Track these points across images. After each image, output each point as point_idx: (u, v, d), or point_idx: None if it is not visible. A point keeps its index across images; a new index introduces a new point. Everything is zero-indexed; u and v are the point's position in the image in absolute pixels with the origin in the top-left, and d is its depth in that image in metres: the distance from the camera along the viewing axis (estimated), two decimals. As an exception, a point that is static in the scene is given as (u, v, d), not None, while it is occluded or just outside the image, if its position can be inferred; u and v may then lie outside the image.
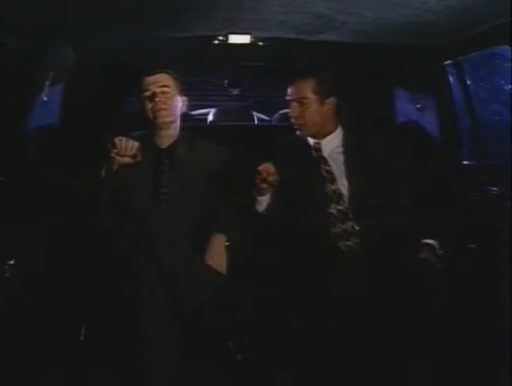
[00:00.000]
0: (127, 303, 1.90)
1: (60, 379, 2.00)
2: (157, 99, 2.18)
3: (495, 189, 2.44)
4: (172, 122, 2.25)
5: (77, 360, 2.03)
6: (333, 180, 2.25)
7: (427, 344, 1.91)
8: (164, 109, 2.20)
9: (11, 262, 2.18)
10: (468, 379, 1.93)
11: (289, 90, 2.31)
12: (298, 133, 2.34)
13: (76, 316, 2.10)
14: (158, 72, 2.23)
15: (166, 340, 1.87)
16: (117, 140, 2.07)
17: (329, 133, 2.33)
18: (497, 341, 2.02)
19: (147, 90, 2.19)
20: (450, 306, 1.97)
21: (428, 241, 2.13)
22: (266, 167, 2.07)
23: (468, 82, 2.73)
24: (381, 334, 1.93)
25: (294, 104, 2.29)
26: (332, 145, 2.32)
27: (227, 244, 2.16)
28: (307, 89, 2.27)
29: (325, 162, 2.29)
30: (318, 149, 2.32)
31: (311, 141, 2.34)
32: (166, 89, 2.21)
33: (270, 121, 4.32)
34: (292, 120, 2.31)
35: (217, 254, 2.13)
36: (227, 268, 2.12)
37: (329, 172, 2.27)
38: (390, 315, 1.93)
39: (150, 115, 2.20)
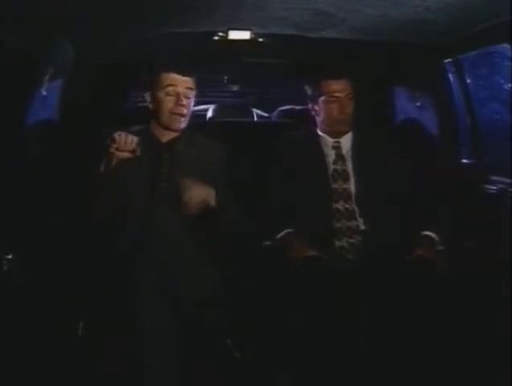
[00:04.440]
0: (126, 301, 1.90)
1: (58, 373, 2.00)
2: (183, 102, 2.14)
3: (494, 188, 2.44)
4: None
5: (75, 356, 2.04)
6: (347, 179, 2.28)
7: (427, 343, 1.92)
8: (184, 116, 2.17)
9: (9, 256, 2.18)
10: (468, 379, 1.93)
11: (337, 86, 2.28)
12: (332, 128, 2.34)
13: (74, 312, 2.10)
14: (186, 74, 2.18)
15: (165, 339, 1.87)
16: (116, 135, 2.05)
17: (347, 132, 2.35)
18: (497, 341, 2.02)
19: (173, 89, 2.15)
20: (450, 306, 1.97)
21: (428, 233, 2.14)
22: None
23: (468, 80, 2.73)
24: (382, 333, 1.93)
25: (346, 100, 2.28)
26: (348, 144, 2.34)
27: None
28: (350, 85, 2.29)
29: (343, 160, 2.32)
30: (338, 147, 2.34)
31: (329, 139, 2.35)
32: (190, 94, 2.18)
33: (269, 117, 4.32)
34: (344, 116, 2.29)
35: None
36: (226, 266, 2.12)
37: (345, 170, 2.29)
38: (391, 314, 1.94)
39: (167, 115, 2.17)
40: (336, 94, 2.27)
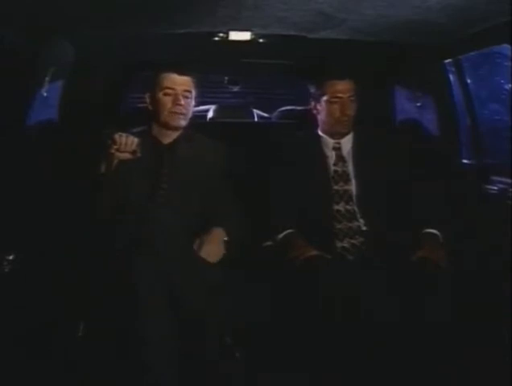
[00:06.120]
0: (126, 301, 1.90)
1: (58, 373, 2.00)
2: (182, 102, 2.16)
3: (494, 188, 2.44)
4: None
5: (75, 356, 2.03)
6: (347, 180, 2.28)
7: (428, 344, 1.92)
8: (183, 115, 2.19)
9: (10, 257, 2.19)
10: (469, 379, 1.93)
11: (341, 86, 2.28)
12: (343, 130, 2.34)
13: (74, 312, 2.10)
14: (185, 74, 2.20)
15: (165, 339, 1.87)
16: (116, 136, 2.06)
17: (348, 134, 2.35)
18: (498, 341, 2.02)
19: (171, 89, 2.17)
20: (450, 306, 1.97)
21: (430, 231, 2.14)
22: None
23: (468, 81, 2.73)
24: (382, 334, 1.93)
25: (349, 101, 2.28)
26: (349, 145, 2.34)
27: (225, 239, 2.11)
28: (353, 86, 2.29)
29: (344, 161, 2.32)
30: (338, 149, 2.34)
31: (330, 140, 2.35)
32: (188, 94, 2.20)
33: (269, 118, 4.32)
34: (345, 117, 2.29)
35: (213, 246, 2.07)
36: (226, 266, 2.11)
37: (345, 172, 2.30)
38: (391, 314, 1.94)
39: (165, 114, 2.18)
40: (339, 95, 2.27)
